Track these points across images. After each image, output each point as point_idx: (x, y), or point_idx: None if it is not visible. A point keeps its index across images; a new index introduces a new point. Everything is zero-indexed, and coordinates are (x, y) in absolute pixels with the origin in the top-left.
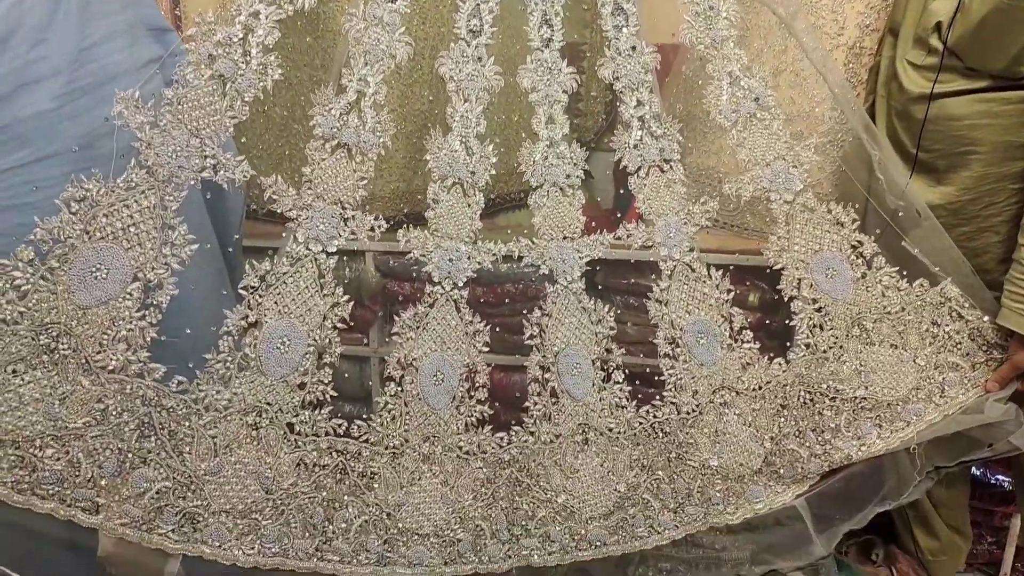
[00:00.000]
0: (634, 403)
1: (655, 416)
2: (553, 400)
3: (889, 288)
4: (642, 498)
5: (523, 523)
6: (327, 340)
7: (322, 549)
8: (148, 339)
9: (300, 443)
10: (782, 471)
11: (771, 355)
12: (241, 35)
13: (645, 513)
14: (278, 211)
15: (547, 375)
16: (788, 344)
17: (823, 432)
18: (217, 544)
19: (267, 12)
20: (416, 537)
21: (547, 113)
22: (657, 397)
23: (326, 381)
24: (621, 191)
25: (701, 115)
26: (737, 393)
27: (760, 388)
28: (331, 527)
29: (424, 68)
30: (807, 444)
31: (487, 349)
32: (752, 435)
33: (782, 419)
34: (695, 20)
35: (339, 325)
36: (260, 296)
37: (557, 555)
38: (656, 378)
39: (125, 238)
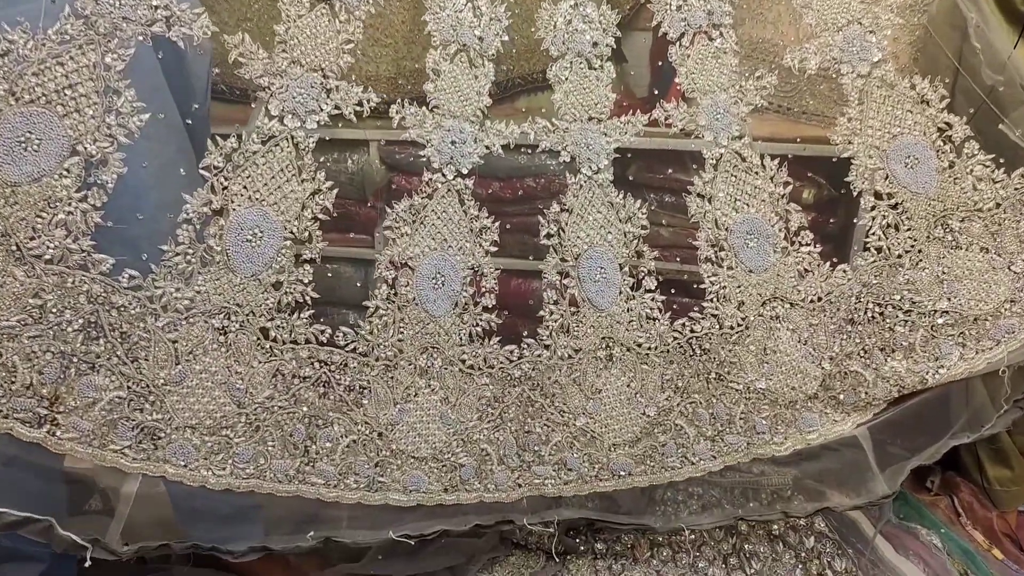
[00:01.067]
0: (668, 315)
1: (692, 330)
2: (572, 310)
3: (982, 180)
4: (675, 424)
5: (535, 448)
6: (307, 233)
7: (304, 471)
8: (92, 224)
9: (276, 351)
10: (842, 396)
11: (833, 260)
12: None
13: (678, 441)
14: (247, 77)
15: (566, 280)
16: (853, 248)
17: (894, 351)
18: (182, 463)
19: None
20: (412, 460)
21: None
22: (695, 308)
23: (306, 280)
24: (660, 63)
25: None
26: (792, 305)
27: (820, 300)
28: (314, 447)
29: None
30: (873, 365)
31: (496, 249)
32: (808, 354)
33: (844, 336)
34: None
35: (321, 216)
36: (226, 179)
37: (574, 484)
38: (695, 286)
39: (60, 102)
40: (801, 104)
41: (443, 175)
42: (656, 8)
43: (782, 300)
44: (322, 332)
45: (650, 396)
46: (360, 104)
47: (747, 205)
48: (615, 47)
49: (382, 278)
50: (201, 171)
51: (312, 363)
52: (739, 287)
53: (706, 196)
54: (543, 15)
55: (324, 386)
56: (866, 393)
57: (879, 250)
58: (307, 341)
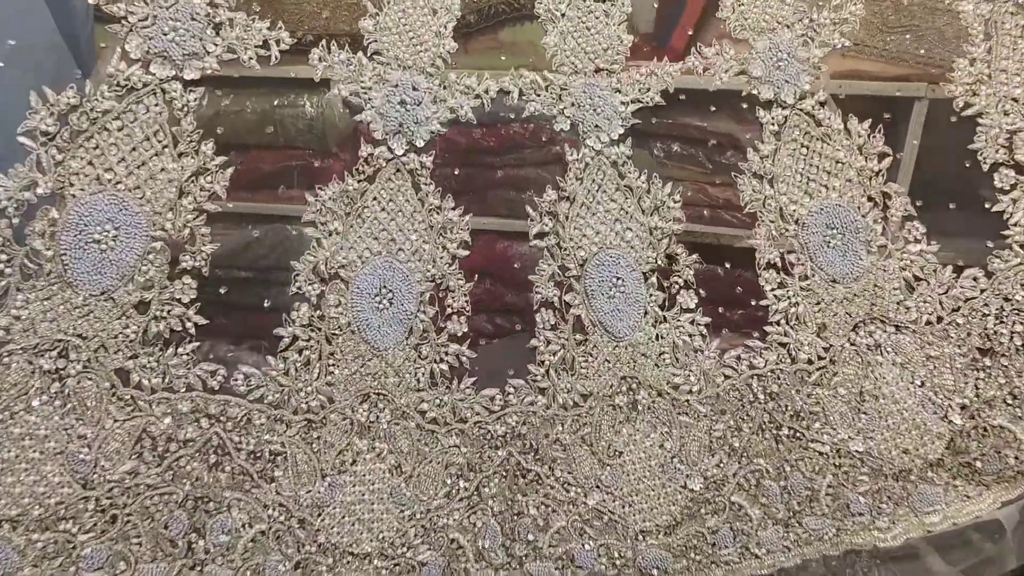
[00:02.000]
0: (715, 344)
1: (752, 366)
2: (578, 338)
3: None
4: (730, 502)
5: (529, 537)
6: (187, 230)
7: None
8: None
9: (141, 404)
10: (979, 463)
11: (958, 264)
12: None
13: (735, 526)
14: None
15: (568, 296)
16: (987, 245)
17: None
18: None
19: None
20: (349, 559)
21: None
22: (754, 334)
23: (187, 299)
24: None
25: None
26: (898, 329)
27: (940, 321)
28: (202, 543)
29: None
30: None
31: (467, 253)
32: (926, 401)
33: (982, 374)
34: None
35: (210, 208)
36: (60, 151)
37: None
38: (753, 302)
39: None
40: (901, 48)
41: (388, 149)
42: None
43: (883, 322)
44: (212, 374)
45: (693, 461)
46: (264, 46)
47: (825, 187)
48: None
49: (302, 296)
50: (21, 139)
51: (197, 419)
52: (819, 304)
53: (765, 176)
54: None
55: (216, 453)
56: (1016, 458)
57: None
58: (189, 388)
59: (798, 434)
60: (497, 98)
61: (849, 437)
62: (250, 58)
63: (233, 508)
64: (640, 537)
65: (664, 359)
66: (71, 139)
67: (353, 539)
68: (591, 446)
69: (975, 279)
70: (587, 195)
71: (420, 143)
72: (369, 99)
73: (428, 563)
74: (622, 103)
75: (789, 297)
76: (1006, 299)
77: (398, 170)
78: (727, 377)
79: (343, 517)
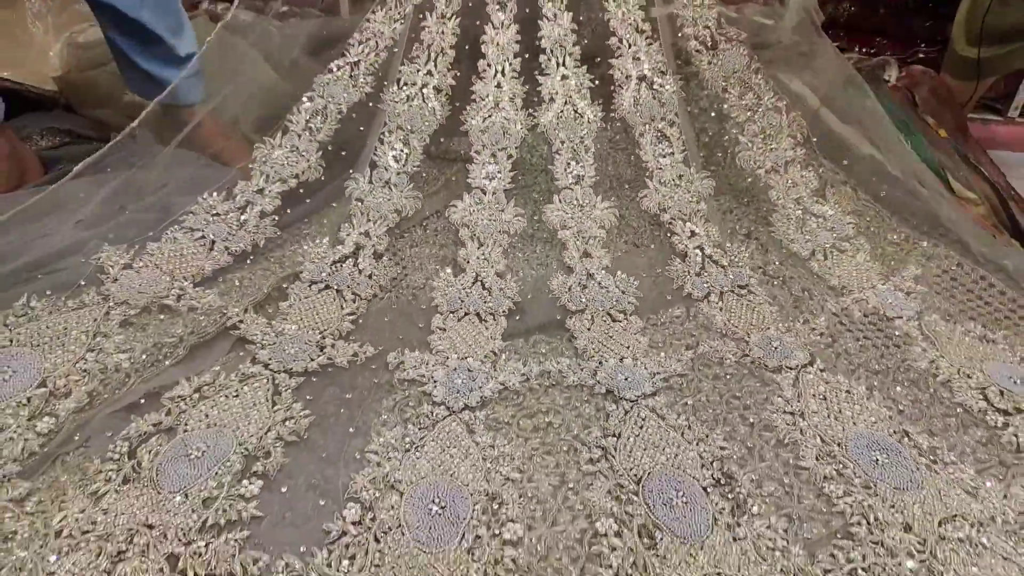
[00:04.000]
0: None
1: (849, 560)
2: (647, 542)
3: None
4: None
5: None
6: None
7: None
8: None
9: None
10: None
11: None
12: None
13: None
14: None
15: (628, 508)
16: None
17: None
18: None
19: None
20: None
21: (580, 248)
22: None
23: (248, 496)
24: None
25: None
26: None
27: None
28: None
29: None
30: None
31: (519, 475)
32: None
33: None
34: None
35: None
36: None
37: None
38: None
39: None
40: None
41: (447, 407)
42: (672, 275)
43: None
44: (255, 561)
45: None
46: (355, 355)
47: (855, 421)
48: (637, 304)
49: (354, 497)
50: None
51: None
52: (893, 509)
53: (797, 412)
54: (555, 283)
55: None
56: None
57: None
58: (230, 574)
59: None
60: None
61: None
62: (343, 360)
63: None
64: None
65: (747, 558)
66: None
67: None
68: None
69: None
70: (630, 433)
71: (475, 404)
72: (433, 377)
73: None
74: (650, 374)
75: (858, 508)
76: None
77: (455, 421)
78: (827, 572)
79: None
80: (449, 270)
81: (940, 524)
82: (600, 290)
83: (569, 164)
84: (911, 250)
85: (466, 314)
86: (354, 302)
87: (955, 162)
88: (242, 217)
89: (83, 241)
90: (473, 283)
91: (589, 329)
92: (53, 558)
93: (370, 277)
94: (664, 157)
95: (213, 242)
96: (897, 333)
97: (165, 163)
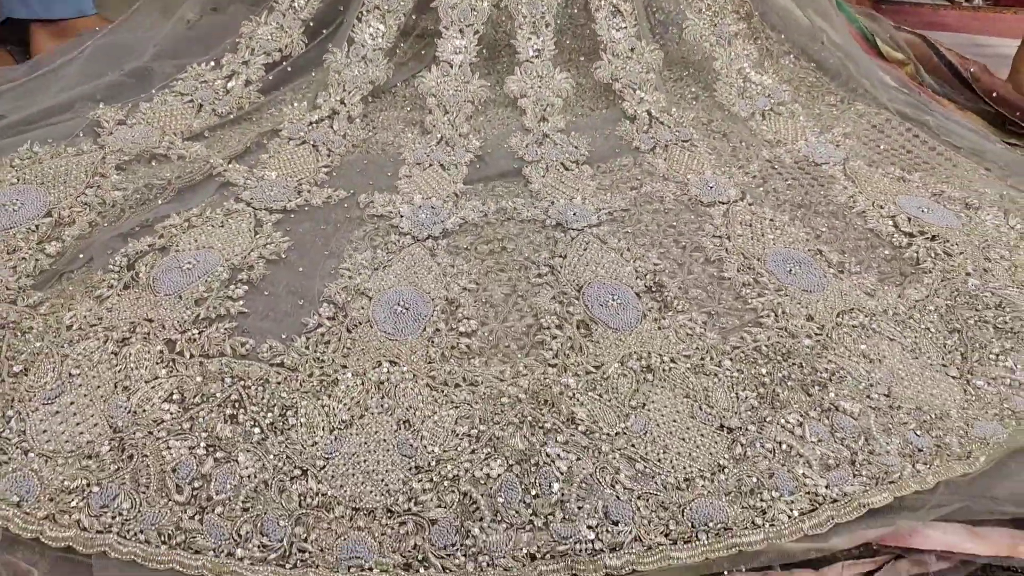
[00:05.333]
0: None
1: (755, 339)
2: (583, 332)
3: None
4: (778, 443)
5: (553, 488)
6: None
7: (186, 528)
8: None
9: (180, 367)
10: None
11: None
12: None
13: (793, 470)
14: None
15: (569, 308)
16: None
17: None
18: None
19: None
20: (351, 515)
21: (538, 114)
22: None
23: (236, 296)
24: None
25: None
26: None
27: None
28: (206, 490)
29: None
30: None
31: (476, 286)
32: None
33: None
34: None
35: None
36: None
37: (633, 553)
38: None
39: None
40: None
41: (412, 236)
42: (621, 133)
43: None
44: (243, 344)
45: (723, 408)
46: (329, 197)
47: (773, 243)
48: (588, 155)
49: (329, 299)
50: None
51: (223, 378)
52: (799, 304)
53: (724, 236)
54: (514, 141)
55: (234, 407)
56: None
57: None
58: (221, 354)
59: (825, 384)
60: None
61: (872, 384)
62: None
63: (240, 456)
64: (684, 485)
65: (669, 341)
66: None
67: (357, 492)
68: (609, 402)
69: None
70: (576, 254)
71: (436, 234)
72: (400, 213)
73: (439, 521)
74: (595, 210)
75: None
76: None
77: (420, 248)
78: (735, 347)
79: (347, 468)
80: (417, 131)
81: (838, 315)
82: (555, 146)
83: (530, 38)
84: (846, 110)
85: (431, 165)
86: (328, 156)
87: (882, 26)
88: (228, 84)
89: (71, 101)
90: (438, 143)
91: (543, 176)
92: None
93: (344, 136)
94: (618, 31)
95: (201, 105)
96: (822, 175)
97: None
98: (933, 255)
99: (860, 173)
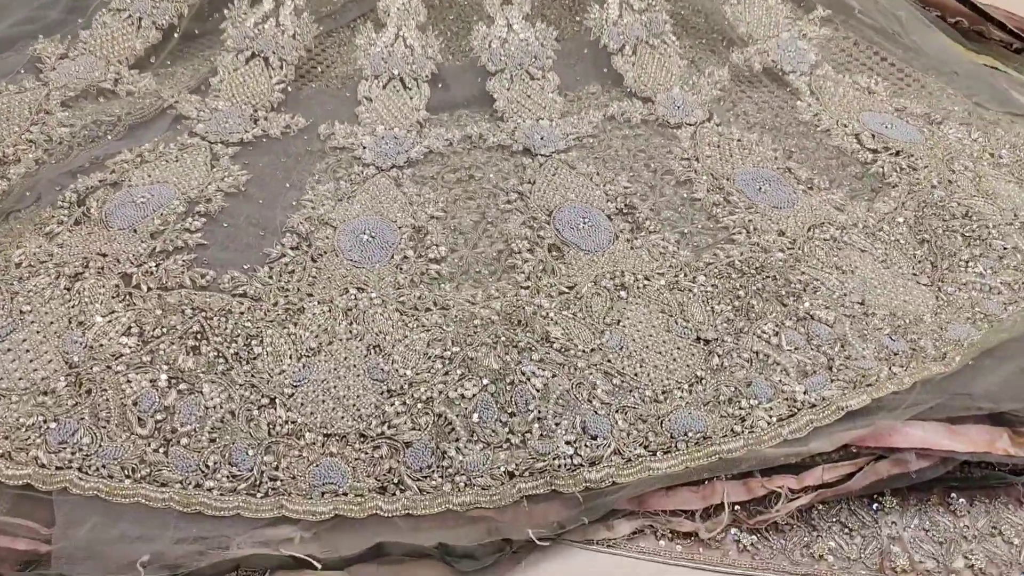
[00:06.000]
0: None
1: (728, 255)
2: (555, 255)
3: None
4: (754, 352)
5: (530, 407)
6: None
7: (151, 461)
8: None
9: (138, 300)
10: None
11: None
12: None
13: (771, 378)
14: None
15: (541, 232)
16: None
17: None
18: None
19: None
20: (322, 440)
21: None
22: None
23: (194, 228)
24: (605, 70)
25: None
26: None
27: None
28: (169, 423)
29: None
30: None
31: (444, 214)
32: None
33: None
34: None
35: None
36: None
37: (611, 466)
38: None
39: None
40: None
41: (376, 167)
42: (590, 24)
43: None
44: (203, 275)
45: (699, 320)
46: (288, 127)
47: (741, 163)
48: (554, 58)
49: (293, 230)
50: None
51: (183, 310)
52: (770, 221)
53: (693, 157)
54: (476, 34)
55: (196, 338)
56: None
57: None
58: (180, 286)
59: (800, 295)
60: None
61: (846, 294)
62: (276, 132)
63: (205, 387)
64: (662, 398)
65: (642, 257)
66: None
67: (328, 417)
68: (584, 319)
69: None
70: (545, 180)
71: (402, 163)
72: (362, 144)
73: (413, 443)
74: (563, 134)
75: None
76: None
77: (384, 177)
78: (709, 264)
79: (317, 395)
80: (370, 25)
81: (809, 229)
82: (520, 44)
83: None
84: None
85: (390, 79)
86: (282, 69)
87: None
88: None
89: (12, 38)
90: (395, 40)
91: (508, 89)
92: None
93: (294, 36)
94: None
95: (140, 19)
96: (788, 88)
97: None
98: (899, 169)
99: (825, 87)
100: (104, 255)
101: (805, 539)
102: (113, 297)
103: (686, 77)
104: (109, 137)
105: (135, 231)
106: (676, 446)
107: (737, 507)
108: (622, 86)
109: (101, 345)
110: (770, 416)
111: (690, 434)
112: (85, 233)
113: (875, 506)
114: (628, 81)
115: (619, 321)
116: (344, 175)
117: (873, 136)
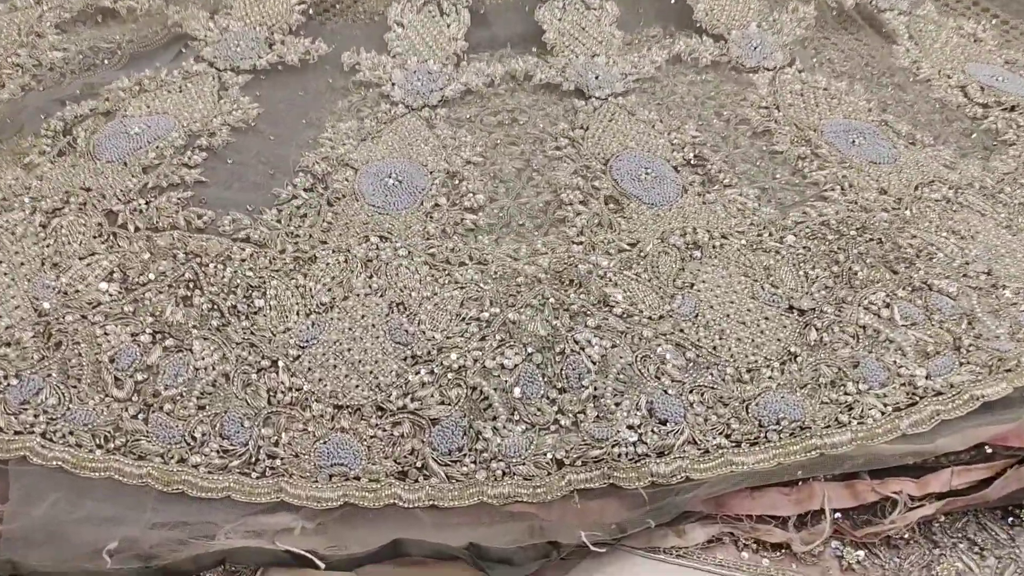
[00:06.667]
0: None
1: (821, 214)
2: (612, 207)
3: None
4: (860, 328)
5: (584, 383)
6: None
7: (127, 430)
8: None
9: (123, 241)
10: None
11: None
12: None
13: (882, 357)
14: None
15: (595, 182)
16: None
17: None
18: None
19: None
20: (331, 413)
21: None
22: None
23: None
24: (672, 1)
25: None
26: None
27: None
28: (152, 384)
29: None
30: None
31: (482, 159)
32: None
33: None
34: None
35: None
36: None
37: (683, 460)
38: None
39: None
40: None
41: (405, 106)
42: None
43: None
44: (199, 216)
45: (790, 287)
46: (307, 53)
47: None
48: None
49: (305, 169)
50: None
51: (174, 254)
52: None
53: (773, 106)
54: None
55: (188, 287)
56: None
57: None
58: (173, 227)
59: (912, 261)
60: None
61: (968, 262)
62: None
63: (195, 344)
64: (747, 377)
65: (717, 212)
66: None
67: (338, 386)
68: (650, 281)
69: None
70: (598, 126)
71: (434, 102)
72: (391, 79)
73: (441, 420)
74: (620, 73)
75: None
76: None
77: (415, 118)
78: (798, 223)
79: (327, 359)
80: None
81: (916, 188)
82: None
83: None
84: None
85: (426, 2)
86: None
87: None
88: None
89: None
90: None
91: (560, 20)
92: None
93: None
94: None
95: None
96: (883, 30)
97: None
98: (1015, 126)
99: (926, 31)
100: (88, 189)
101: (925, 558)
102: (95, 237)
103: (765, 12)
104: (107, 63)
105: (125, 164)
106: (765, 436)
107: (839, 515)
108: (691, 21)
109: (77, 291)
110: (884, 404)
111: (783, 422)
112: (68, 165)
113: (1012, 520)
114: (698, 15)
115: (692, 284)
116: (369, 114)
117: (982, 89)
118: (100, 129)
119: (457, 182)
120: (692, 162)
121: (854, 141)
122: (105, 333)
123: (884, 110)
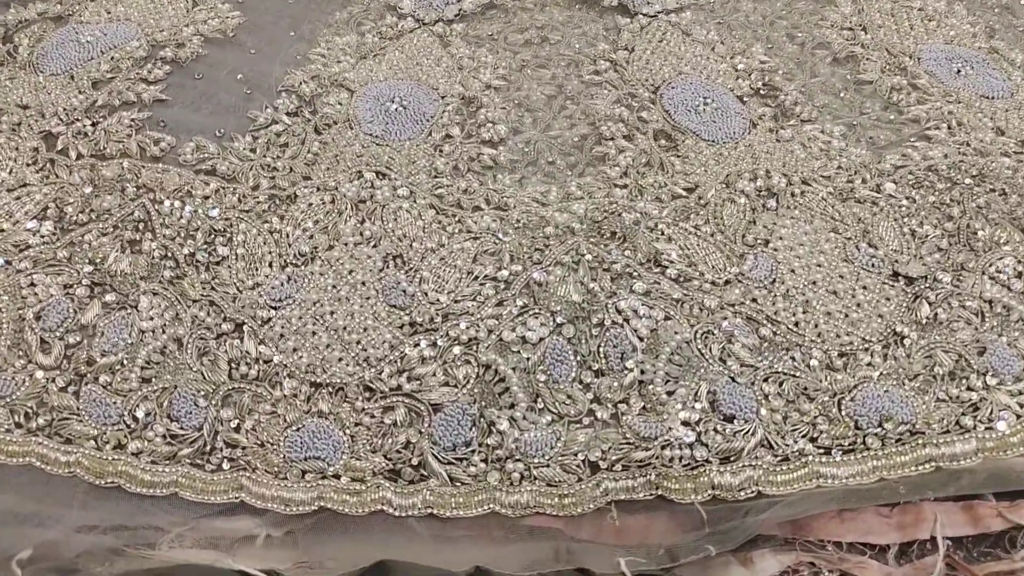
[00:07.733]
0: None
1: (925, 157)
2: (663, 143)
3: None
4: (986, 302)
5: (628, 364)
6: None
7: (54, 405)
8: None
9: (62, 170)
10: None
11: None
12: None
13: (1017, 341)
14: None
15: (642, 113)
16: None
17: None
18: None
19: None
20: (310, 392)
21: None
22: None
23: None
24: None
25: None
26: None
27: None
28: (86, 350)
29: None
30: None
31: (506, 83)
32: None
33: None
34: None
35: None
36: None
37: (758, 466)
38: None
39: None
40: None
41: (415, 19)
42: None
43: None
44: (156, 142)
45: (893, 249)
46: None
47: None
48: None
49: (290, 89)
50: None
51: (123, 188)
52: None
53: (859, 27)
54: None
55: (137, 230)
56: None
57: None
58: (124, 154)
59: None
60: None
61: None
62: None
63: (142, 301)
64: (839, 363)
65: (795, 152)
66: None
67: (318, 359)
68: (713, 237)
69: None
70: (645, 47)
71: (450, 16)
72: None
73: (445, 406)
74: None
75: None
76: None
77: (427, 33)
78: (899, 167)
79: (304, 324)
80: None
81: None
82: None
83: None
84: None
85: None
86: None
87: None
88: None
89: None
90: None
91: None
92: None
93: None
94: None
95: None
96: None
97: None
98: None
99: None
100: (25, 107)
101: None
102: (28, 165)
103: None
104: None
105: (72, 78)
106: (863, 442)
107: (950, 544)
108: None
109: (1, 231)
110: (1020, 405)
111: (887, 425)
112: (5, 78)
113: None
114: None
115: (767, 241)
116: (371, 27)
117: None
118: (47, 36)
119: (474, 109)
120: (761, 92)
121: (959, 71)
122: (31, 284)
123: (991, 36)
